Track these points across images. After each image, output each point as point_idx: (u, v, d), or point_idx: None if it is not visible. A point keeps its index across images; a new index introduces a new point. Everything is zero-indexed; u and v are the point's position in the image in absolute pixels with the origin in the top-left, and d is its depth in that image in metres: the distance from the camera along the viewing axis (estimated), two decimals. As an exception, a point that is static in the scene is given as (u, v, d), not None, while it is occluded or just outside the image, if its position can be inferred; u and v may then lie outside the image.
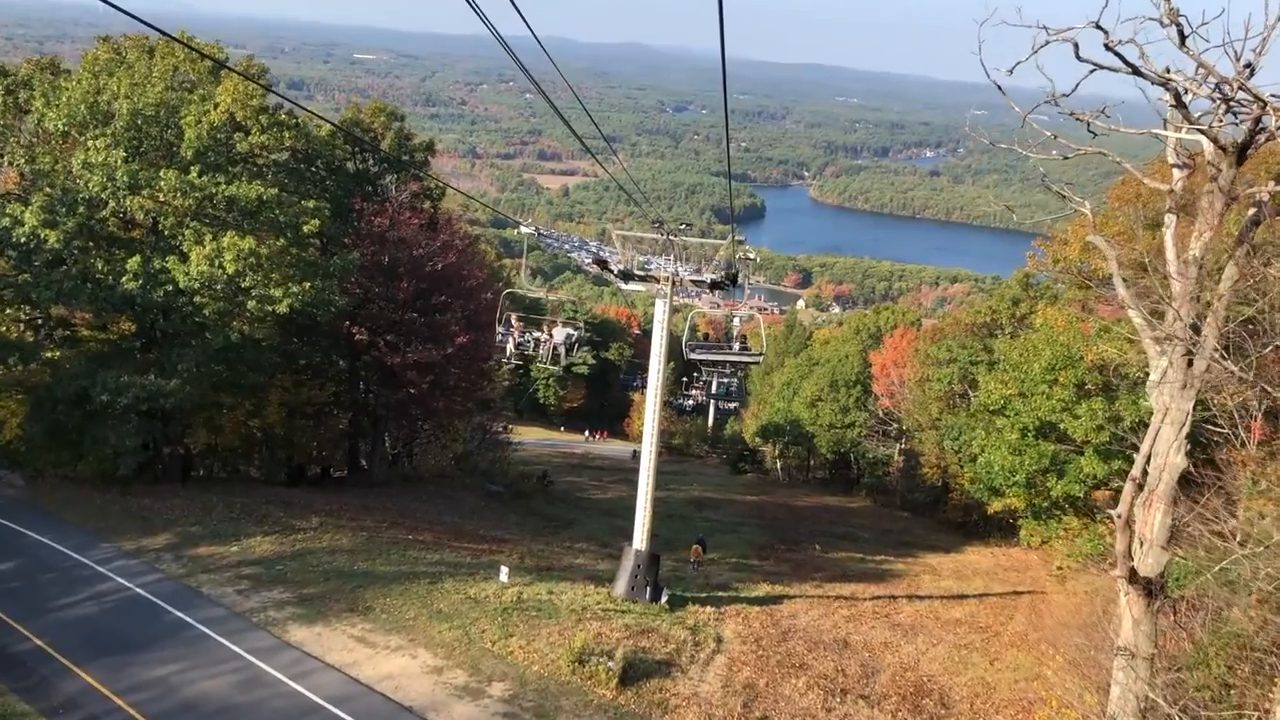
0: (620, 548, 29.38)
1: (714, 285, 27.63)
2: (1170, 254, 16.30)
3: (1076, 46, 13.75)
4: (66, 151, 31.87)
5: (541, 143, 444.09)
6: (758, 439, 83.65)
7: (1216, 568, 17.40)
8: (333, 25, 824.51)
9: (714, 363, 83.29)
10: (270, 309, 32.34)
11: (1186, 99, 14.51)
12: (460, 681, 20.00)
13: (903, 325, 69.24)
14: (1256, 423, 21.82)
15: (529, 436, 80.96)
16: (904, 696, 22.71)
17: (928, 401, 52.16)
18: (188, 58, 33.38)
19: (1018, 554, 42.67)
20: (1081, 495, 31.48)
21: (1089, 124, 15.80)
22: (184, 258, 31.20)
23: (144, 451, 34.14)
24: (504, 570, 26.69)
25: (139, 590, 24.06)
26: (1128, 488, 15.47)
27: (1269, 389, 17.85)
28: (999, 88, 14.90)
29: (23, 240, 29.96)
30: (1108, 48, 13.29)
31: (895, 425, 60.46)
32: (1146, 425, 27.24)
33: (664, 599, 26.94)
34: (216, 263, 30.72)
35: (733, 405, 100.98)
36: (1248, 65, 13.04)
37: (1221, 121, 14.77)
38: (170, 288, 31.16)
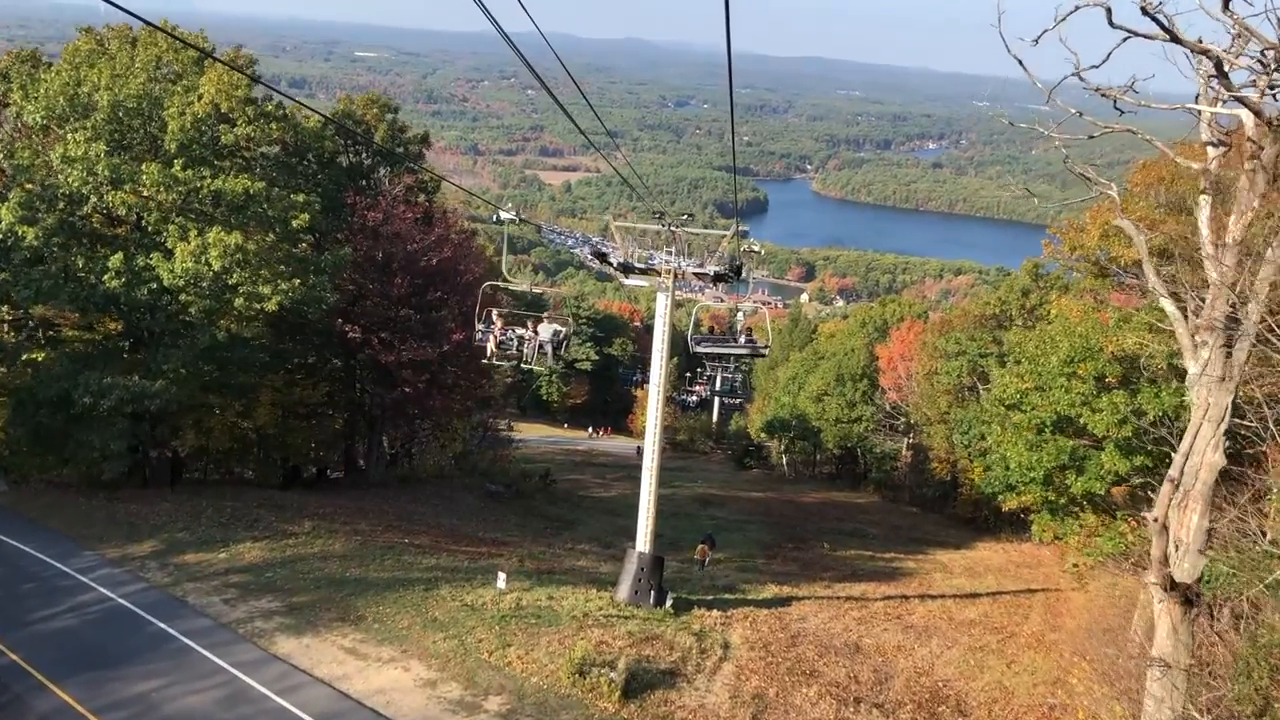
0: (623, 549, 28.49)
1: (718, 278, 26.56)
2: (1205, 238, 15.28)
3: (1109, 11, 12.71)
4: (46, 145, 30.90)
5: (543, 139, 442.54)
6: (763, 434, 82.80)
7: (1250, 572, 16.41)
8: (334, 23, 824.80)
9: (719, 357, 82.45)
10: (259, 306, 31.50)
11: (1226, 69, 13.50)
12: (455, 695, 19.09)
13: (909, 318, 68.34)
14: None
15: (532, 434, 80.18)
16: (919, 704, 21.77)
17: (936, 395, 51.26)
18: (171, 47, 32.45)
19: (1029, 549, 41.77)
20: (1102, 492, 30.40)
21: (1115, 101, 14.77)
22: (168, 254, 30.27)
23: (131, 454, 33.26)
24: (501, 576, 25.72)
25: (121, 600, 23.14)
26: (1165, 488, 14.47)
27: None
28: (1020, 62, 13.89)
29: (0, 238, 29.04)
30: (1144, 11, 12.23)
31: (903, 419, 59.60)
32: (1170, 419, 26.35)
33: (668, 603, 25.98)
34: (202, 259, 29.80)
35: (737, 401, 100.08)
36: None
37: (1264, 93, 13.74)
38: (154, 285, 30.24)
